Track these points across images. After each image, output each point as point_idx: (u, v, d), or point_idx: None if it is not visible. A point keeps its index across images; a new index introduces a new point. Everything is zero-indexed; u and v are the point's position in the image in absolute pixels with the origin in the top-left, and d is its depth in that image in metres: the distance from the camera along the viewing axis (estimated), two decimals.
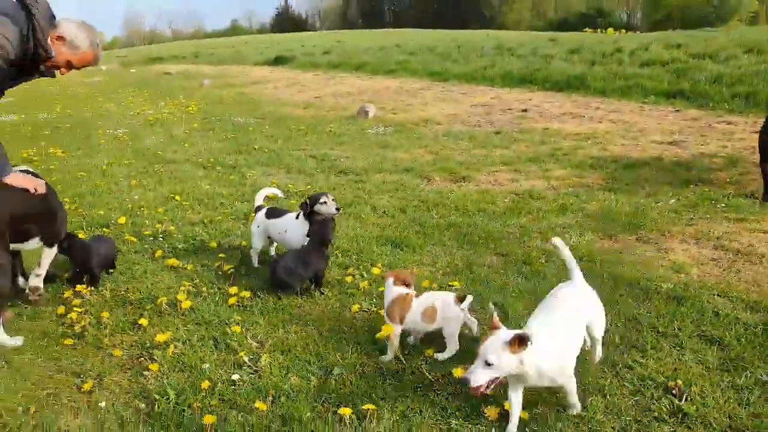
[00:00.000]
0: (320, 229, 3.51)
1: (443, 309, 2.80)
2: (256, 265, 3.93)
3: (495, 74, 14.95)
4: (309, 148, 7.67)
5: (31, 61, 3.04)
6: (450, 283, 3.53)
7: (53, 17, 3.09)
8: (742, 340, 2.84)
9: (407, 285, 2.93)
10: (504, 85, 13.81)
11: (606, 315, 2.93)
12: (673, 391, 2.48)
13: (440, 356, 2.78)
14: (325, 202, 3.68)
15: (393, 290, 2.88)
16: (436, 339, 2.89)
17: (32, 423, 2.43)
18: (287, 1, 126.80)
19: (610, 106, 10.53)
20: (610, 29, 38.48)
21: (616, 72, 13.39)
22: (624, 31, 36.83)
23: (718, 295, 3.34)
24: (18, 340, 3.04)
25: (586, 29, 43.46)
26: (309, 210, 3.66)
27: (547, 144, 7.53)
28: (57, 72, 3.23)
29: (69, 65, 3.19)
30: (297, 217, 3.77)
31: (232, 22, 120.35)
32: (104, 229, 4.72)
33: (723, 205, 4.85)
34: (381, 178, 6.01)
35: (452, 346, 2.79)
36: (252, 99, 13.53)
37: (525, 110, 10.44)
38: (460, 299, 2.81)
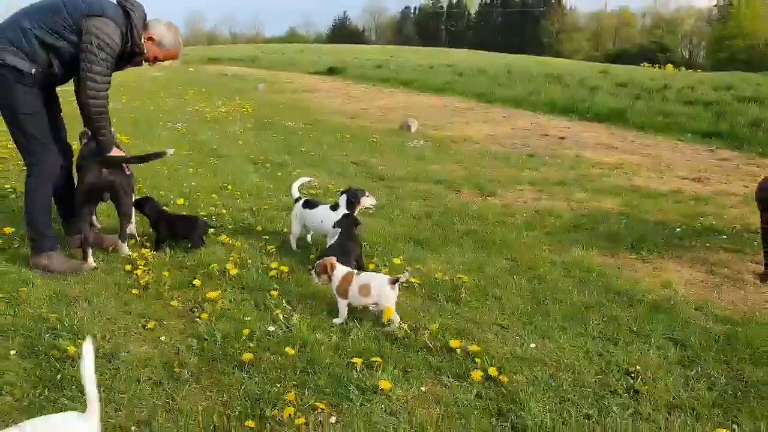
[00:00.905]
0: (352, 218, 4.10)
1: (377, 287, 3.32)
2: (294, 248, 4.51)
3: (539, 101, 15.36)
4: (351, 154, 8.28)
5: (128, 54, 3.73)
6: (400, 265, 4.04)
7: (146, 18, 3.76)
8: (703, 343, 3.28)
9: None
10: (547, 112, 14.21)
11: (590, 314, 3.42)
12: (632, 374, 2.95)
13: (388, 328, 3.29)
14: (368, 195, 4.39)
15: (340, 270, 3.45)
16: (438, 318, 3.42)
17: (106, 347, 3.04)
18: (345, 13, 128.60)
19: (645, 141, 10.85)
20: (670, 65, 38.24)
21: (658, 108, 13.65)
22: (683, 68, 36.60)
23: (695, 308, 3.77)
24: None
25: (644, 63, 43.34)
26: (356, 201, 4.29)
27: (576, 170, 7.97)
28: (145, 63, 3.95)
29: (155, 59, 3.93)
30: (334, 209, 4.34)
31: (290, 30, 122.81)
32: (165, 207, 5.37)
33: (725, 236, 5.23)
34: (413, 187, 6.55)
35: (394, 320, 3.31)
36: (303, 105, 14.26)
37: (562, 138, 10.85)
38: (393, 282, 3.33)
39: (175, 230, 4.37)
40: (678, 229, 5.40)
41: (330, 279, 3.44)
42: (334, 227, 4.11)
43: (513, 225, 5.33)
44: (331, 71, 24.96)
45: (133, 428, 2.42)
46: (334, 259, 3.53)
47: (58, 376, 2.74)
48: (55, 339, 3.05)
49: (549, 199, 6.39)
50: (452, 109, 14.31)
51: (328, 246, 4.12)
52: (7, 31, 3.66)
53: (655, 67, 39.20)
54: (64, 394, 2.61)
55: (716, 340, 3.34)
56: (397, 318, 3.29)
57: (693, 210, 6.07)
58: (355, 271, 3.54)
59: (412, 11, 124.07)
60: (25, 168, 4.04)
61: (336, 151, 8.51)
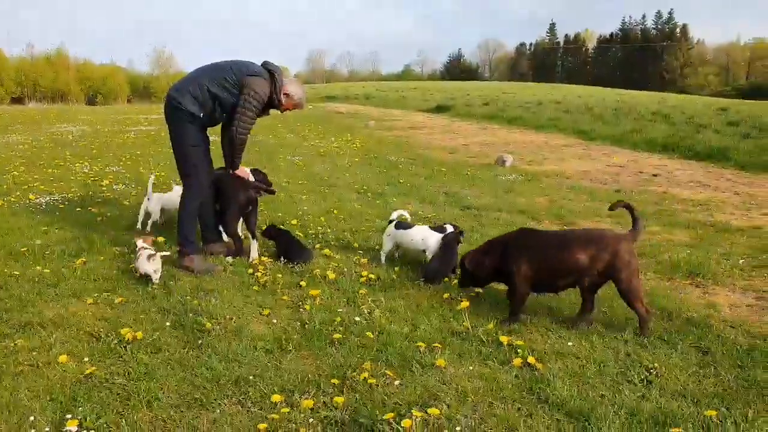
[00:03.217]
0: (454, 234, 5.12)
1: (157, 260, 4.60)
2: (383, 262, 5.37)
3: (639, 139, 15.51)
4: (444, 186, 9.11)
5: (269, 105, 4.99)
6: None
7: (283, 78, 5.06)
8: (725, 352, 3.76)
9: (150, 244, 4.88)
10: (646, 150, 14.38)
11: (629, 324, 4.00)
12: (651, 370, 3.51)
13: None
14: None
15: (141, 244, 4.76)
16: (496, 319, 4.13)
17: (232, 325, 4.00)
18: (459, 50, 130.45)
19: (742, 179, 10.86)
20: None
21: (765, 147, 13.42)
22: None
23: (731, 326, 4.21)
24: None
25: None
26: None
27: (659, 205, 8.32)
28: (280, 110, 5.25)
29: (286, 109, 5.15)
30: (438, 230, 5.26)
31: (405, 67, 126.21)
32: (281, 225, 6.43)
33: None
34: (497, 216, 7.25)
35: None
36: (407, 141, 15.31)
37: (655, 175, 11.11)
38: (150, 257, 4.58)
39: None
40: (741, 261, 5.72)
41: None
42: (442, 241, 5.12)
43: None
44: (439, 109, 26.00)
45: (251, 377, 3.32)
46: None
47: (199, 342, 3.72)
48: (196, 317, 4.06)
49: (622, 229, 6.85)
50: (551, 145, 14.81)
51: (433, 256, 5.09)
52: (189, 84, 4.97)
53: None
54: (203, 353, 3.58)
55: (738, 350, 3.80)
56: None
57: (765, 244, 6.31)
58: None
59: (527, 47, 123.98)
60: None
61: (430, 182, 9.38)
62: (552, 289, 4.32)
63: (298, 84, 5.26)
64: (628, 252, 4.02)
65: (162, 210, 6.28)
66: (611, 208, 4.43)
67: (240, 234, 5.51)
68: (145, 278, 4.66)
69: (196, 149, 5.10)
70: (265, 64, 5.11)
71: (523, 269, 4.13)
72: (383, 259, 5.39)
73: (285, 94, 5.11)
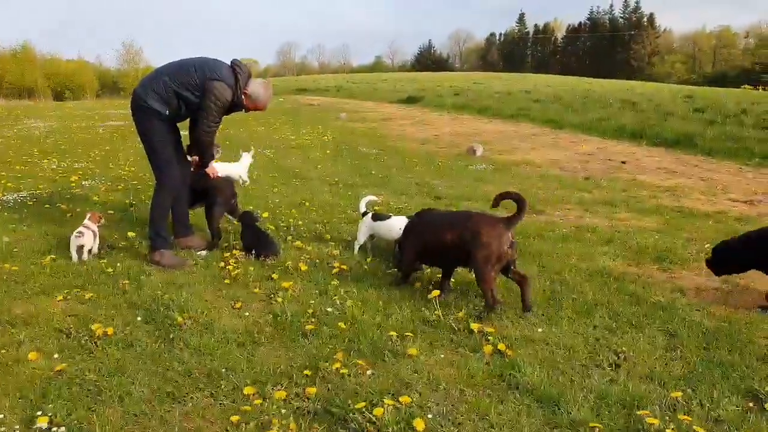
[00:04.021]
0: None
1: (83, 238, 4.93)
2: (355, 253, 5.38)
3: (608, 126, 15.74)
4: (415, 176, 9.15)
5: (231, 104, 4.97)
6: None
7: (249, 77, 5.04)
8: (691, 335, 3.86)
9: (98, 221, 5.22)
10: (614, 138, 14.60)
11: (598, 310, 4.07)
12: (619, 354, 3.59)
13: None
14: None
15: (89, 225, 5.07)
16: (466, 307, 4.17)
17: (204, 318, 3.98)
18: (430, 41, 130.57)
19: (709, 165, 11.12)
20: None
21: (729, 133, 13.74)
22: None
23: (696, 309, 4.32)
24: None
25: (745, 86, 41.58)
26: None
27: (627, 192, 8.47)
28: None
29: (248, 109, 5.14)
30: None
31: (376, 59, 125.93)
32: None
33: None
34: (467, 205, 7.31)
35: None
36: (379, 133, 15.32)
37: (624, 162, 11.30)
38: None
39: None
40: (707, 245, 5.85)
41: None
42: None
43: (550, 238, 5.99)
44: (410, 100, 26.04)
45: (223, 370, 3.32)
46: None
47: (171, 336, 3.70)
48: (167, 312, 4.03)
49: (592, 217, 6.98)
50: (521, 134, 14.95)
51: None
52: (153, 83, 4.94)
53: (758, 89, 37.65)
54: (174, 346, 3.57)
55: (703, 333, 3.90)
56: None
57: (731, 229, 6.47)
58: None
59: (497, 37, 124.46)
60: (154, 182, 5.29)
61: (402, 173, 9.41)
62: (438, 265, 4.60)
63: (262, 85, 5.20)
64: (489, 235, 4.05)
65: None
66: (494, 204, 4.40)
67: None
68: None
69: (165, 144, 5.08)
70: (233, 63, 5.07)
71: (409, 245, 4.53)
72: (356, 249, 5.41)
73: (245, 94, 5.08)
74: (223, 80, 4.90)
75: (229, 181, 5.67)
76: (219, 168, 6.63)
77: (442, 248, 4.30)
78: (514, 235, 4.17)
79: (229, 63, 5.07)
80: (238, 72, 5.00)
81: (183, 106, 4.98)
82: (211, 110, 4.90)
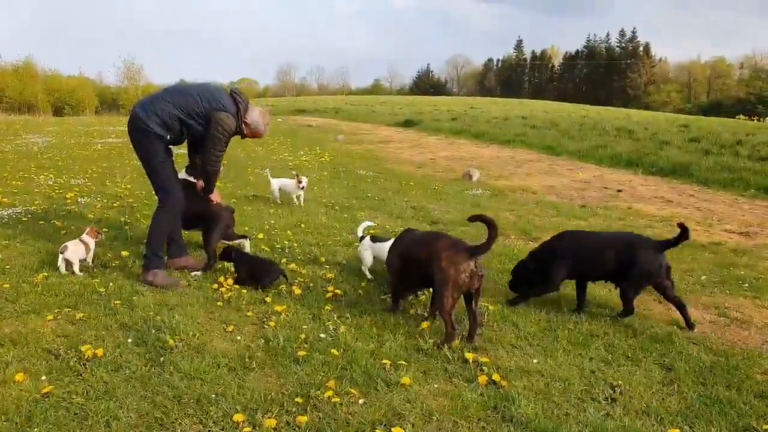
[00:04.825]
0: None
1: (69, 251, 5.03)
2: (368, 277, 5.35)
3: (604, 154, 15.81)
4: (412, 200, 9.14)
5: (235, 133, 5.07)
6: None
7: (248, 105, 5.12)
8: (688, 369, 3.82)
9: (95, 236, 5.30)
10: (611, 166, 14.66)
11: (594, 341, 4.03)
12: (615, 388, 3.55)
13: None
14: None
15: (85, 238, 5.19)
16: (461, 333, 4.13)
17: (195, 341, 3.93)
18: (428, 65, 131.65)
19: (704, 195, 11.15)
20: None
21: (725, 164, 13.82)
22: None
23: (693, 342, 4.28)
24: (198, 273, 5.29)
25: (740, 116, 41.93)
26: None
27: (623, 221, 8.47)
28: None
29: (247, 135, 5.23)
30: None
31: (375, 82, 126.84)
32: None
33: (747, 285, 5.65)
34: (463, 230, 7.29)
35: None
36: (376, 156, 15.34)
37: (620, 190, 11.32)
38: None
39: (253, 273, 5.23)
40: (704, 277, 5.85)
41: None
42: None
43: None
44: (408, 123, 26.15)
45: (213, 396, 3.26)
46: None
47: (162, 359, 3.64)
48: (159, 333, 3.97)
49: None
50: (518, 160, 14.99)
51: None
52: (156, 106, 4.91)
53: (753, 120, 38.01)
54: (165, 370, 3.51)
55: (701, 367, 3.87)
56: None
57: (726, 261, 6.47)
58: None
59: (495, 63, 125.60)
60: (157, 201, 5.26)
61: (399, 197, 9.40)
62: (421, 286, 4.58)
63: (261, 114, 5.27)
64: (447, 261, 4.00)
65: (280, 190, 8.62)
66: (470, 219, 4.48)
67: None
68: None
69: (166, 165, 5.08)
70: (232, 92, 5.14)
71: (390, 263, 4.59)
72: (367, 273, 5.39)
73: (245, 123, 5.17)
74: (227, 110, 4.98)
75: (229, 210, 5.69)
76: (280, 182, 8.55)
77: (416, 268, 4.28)
78: (479, 265, 4.06)
79: (228, 92, 5.14)
80: (238, 101, 5.08)
81: (185, 131, 5.02)
82: (219, 140, 4.97)
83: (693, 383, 3.66)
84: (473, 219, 4.38)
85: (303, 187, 8.45)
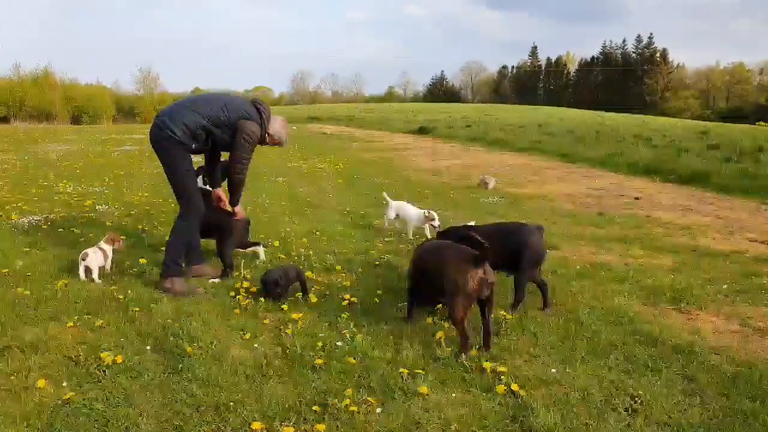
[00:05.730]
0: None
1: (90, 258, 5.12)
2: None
3: (622, 162, 15.68)
4: (427, 208, 9.09)
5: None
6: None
7: (270, 115, 5.26)
8: (710, 379, 3.77)
9: (112, 243, 5.35)
10: (628, 173, 14.53)
11: (614, 351, 3.98)
12: (636, 398, 3.51)
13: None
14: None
15: (102, 245, 5.28)
16: (479, 342, 4.11)
17: (213, 349, 3.94)
18: (442, 72, 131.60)
19: (724, 203, 10.99)
20: None
21: (746, 171, 13.60)
22: None
23: (715, 353, 4.21)
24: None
25: (760, 123, 41.33)
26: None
27: (641, 229, 8.38)
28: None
29: (269, 144, 5.34)
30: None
31: (389, 89, 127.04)
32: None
33: None
34: None
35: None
36: (390, 163, 15.36)
37: (637, 198, 11.21)
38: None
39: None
40: (725, 286, 5.76)
41: None
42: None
43: (564, 275, 5.91)
44: (422, 130, 26.16)
45: (231, 404, 3.27)
46: None
47: (180, 366, 3.66)
48: (177, 341, 3.99)
49: (606, 254, 6.90)
50: (534, 167, 14.92)
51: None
52: (184, 116, 4.96)
53: None
54: (183, 377, 3.52)
55: (723, 378, 3.81)
56: None
57: (748, 269, 6.36)
58: None
59: (510, 70, 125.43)
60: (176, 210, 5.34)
61: (414, 204, 9.37)
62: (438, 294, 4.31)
63: (281, 123, 5.39)
64: (455, 270, 3.97)
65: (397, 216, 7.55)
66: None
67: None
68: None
69: (190, 174, 5.16)
70: (254, 102, 5.26)
71: (410, 271, 4.60)
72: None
73: (268, 133, 5.29)
74: (253, 119, 5.09)
75: (245, 222, 5.72)
76: (406, 207, 7.56)
77: (428, 277, 4.26)
78: (489, 272, 4.00)
79: (250, 102, 5.26)
80: (262, 111, 5.20)
81: (210, 141, 5.10)
82: (245, 148, 5.07)
83: (715, 394, 3.60)
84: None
85: (435, 227, 7.23)
